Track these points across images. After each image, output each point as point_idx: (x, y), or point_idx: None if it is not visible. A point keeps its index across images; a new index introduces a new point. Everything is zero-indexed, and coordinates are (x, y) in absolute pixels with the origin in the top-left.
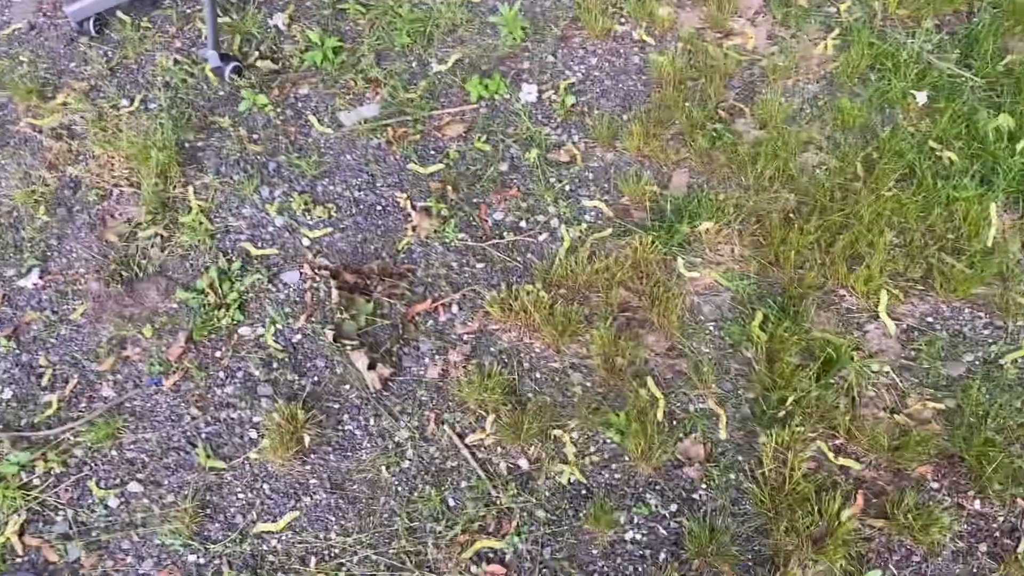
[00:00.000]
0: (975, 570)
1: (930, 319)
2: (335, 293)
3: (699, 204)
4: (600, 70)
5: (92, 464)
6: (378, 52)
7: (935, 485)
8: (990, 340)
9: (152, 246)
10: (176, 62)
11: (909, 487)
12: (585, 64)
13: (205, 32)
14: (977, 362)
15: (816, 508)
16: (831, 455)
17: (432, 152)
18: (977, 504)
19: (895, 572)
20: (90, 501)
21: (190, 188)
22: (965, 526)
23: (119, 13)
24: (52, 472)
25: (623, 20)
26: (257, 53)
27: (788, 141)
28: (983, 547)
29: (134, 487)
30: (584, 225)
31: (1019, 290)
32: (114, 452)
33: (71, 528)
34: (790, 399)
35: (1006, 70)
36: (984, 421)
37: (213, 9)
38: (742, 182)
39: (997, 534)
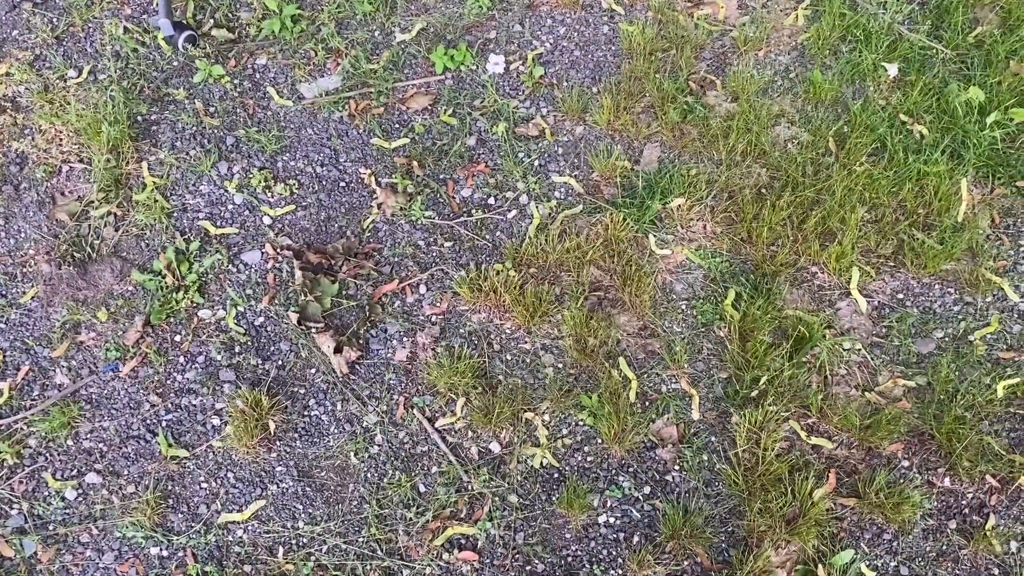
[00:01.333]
0: (945, 547)
1: (901, 296)
2: (298, 274)
3: (671, 180)
4: (569, 40)
5: (47, 455)
6: (339, 20)
7: (906, 463)
8: (960, 316)
9: (105, 225)
10: (126, 30)
11: (880, 465)
12: (553, 34)
13: None
14: (947, 339)
15: (789, 488)
16: (804, 434)
17: (397, 126)
18: (947, 481)
19: (867, 550)
20: (46, 493)
21: (144, 164)
22: (935, 503)
23: None
24: (5, 464)
25: None
26: (212, 21)
27: (760, 114)
28: (953, 524)
29: (92, 478)
30: (554, 202)
31: (988, 266)
32: (70, 442)
33: (26, 522)
34: (763, 379)
35: (976, 42)
36: (954, 398)
37: None
38: (714, 156)
39: (966, 511)
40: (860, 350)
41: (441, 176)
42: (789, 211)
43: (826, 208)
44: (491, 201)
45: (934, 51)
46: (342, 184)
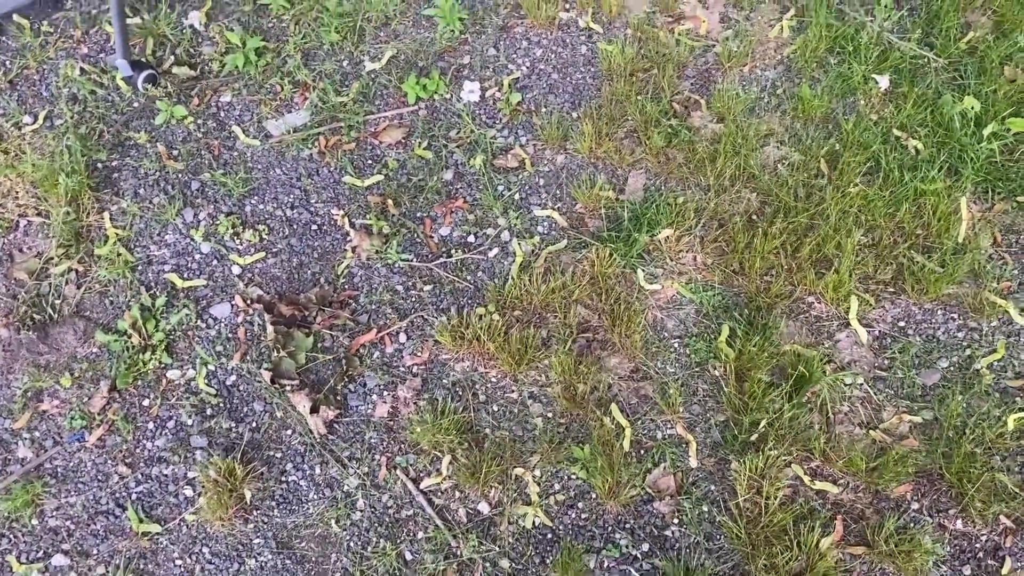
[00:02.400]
0: None
1: (902, 323)
2: (270, 328)
3: (657, 209)
4: (546, 63)
5: (11, 536)
6: (305, 51)
7: (915, 505)
8: (964, 343)
9: (67, 283)
10: (83, 71)
11: (889, 509)
12: (530, 56)
13: (114, 36)
14: (953, 368)
15: (795, 540)
16: (807, 479)
17: (369, 162)
18: (959, 524)
19: None
20: None
21: (106, 215)
22: (948, 548)
23: (15, 17)
24: None
25: (568, 6)
26: (172, 58)
27: (748, 135)
28: (967, 570)
29: (59, 560)
30: (537, 238)
31: (992, 288)
32: (35, 521)
33: None
34: (762, 421)
35: (968, 48)
36: (963, 433)
37: (121, 10)
38: (701, 182)
39: (980, 555)
40: (862, 384)
41: (418, 214)
42: (782, 238)
43: (821, 234)
44: (471, 239)
45: (926, 60)
46: (314, 227)
